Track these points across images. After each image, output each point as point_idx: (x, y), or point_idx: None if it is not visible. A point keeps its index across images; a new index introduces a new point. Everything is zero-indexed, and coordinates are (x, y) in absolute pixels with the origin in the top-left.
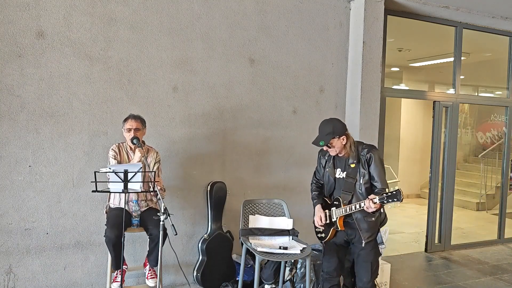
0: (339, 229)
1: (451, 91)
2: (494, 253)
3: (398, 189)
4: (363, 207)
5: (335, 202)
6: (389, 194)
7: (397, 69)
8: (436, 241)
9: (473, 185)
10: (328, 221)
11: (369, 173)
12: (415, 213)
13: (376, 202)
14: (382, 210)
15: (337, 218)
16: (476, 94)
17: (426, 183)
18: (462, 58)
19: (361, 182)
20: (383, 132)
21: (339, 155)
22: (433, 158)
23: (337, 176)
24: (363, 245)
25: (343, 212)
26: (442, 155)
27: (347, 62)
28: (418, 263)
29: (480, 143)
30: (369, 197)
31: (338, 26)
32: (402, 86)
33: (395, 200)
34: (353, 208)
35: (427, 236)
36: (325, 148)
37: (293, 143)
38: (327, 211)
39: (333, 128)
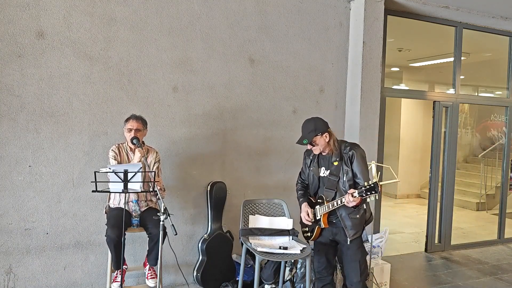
0: (323, 226)
1: (451, 91)
2: (494, 253)
3: (375, 182)
4: (344, 202)
5: (319, 200)
6: (367, 187)
7: (397, 69)
8: (436, 241)
9: (473, 185)
10: (313, 220)
11: (352, 170)
12: (415, 213)
13: (355, 196)
14: (365, 207)
15: (321, 215)
16: (476, 94)
17: (426, 183)
18: (462, 58)
19: (344, 179)
20: (383, 132)
21: (323, 153)
22: (433, 158)
23: (321, 174)
24: (348, 243)
25: (326, 209)
26: (442, 155)
27: (347, 62)
28: (418, 263)
29: (480, 143)
30: (349, 191)
31: (338, 26)
32: (402, 86)
33: (373, 192)
34: (335, 204)
35: (427, 236)
36: (309, 146)
37: (293, 143)
38: (312, 209)
39: (315, 125)
